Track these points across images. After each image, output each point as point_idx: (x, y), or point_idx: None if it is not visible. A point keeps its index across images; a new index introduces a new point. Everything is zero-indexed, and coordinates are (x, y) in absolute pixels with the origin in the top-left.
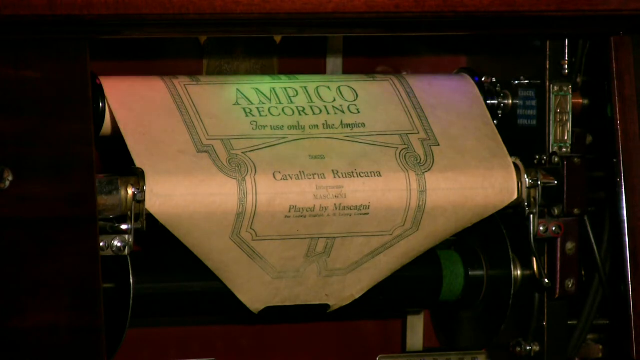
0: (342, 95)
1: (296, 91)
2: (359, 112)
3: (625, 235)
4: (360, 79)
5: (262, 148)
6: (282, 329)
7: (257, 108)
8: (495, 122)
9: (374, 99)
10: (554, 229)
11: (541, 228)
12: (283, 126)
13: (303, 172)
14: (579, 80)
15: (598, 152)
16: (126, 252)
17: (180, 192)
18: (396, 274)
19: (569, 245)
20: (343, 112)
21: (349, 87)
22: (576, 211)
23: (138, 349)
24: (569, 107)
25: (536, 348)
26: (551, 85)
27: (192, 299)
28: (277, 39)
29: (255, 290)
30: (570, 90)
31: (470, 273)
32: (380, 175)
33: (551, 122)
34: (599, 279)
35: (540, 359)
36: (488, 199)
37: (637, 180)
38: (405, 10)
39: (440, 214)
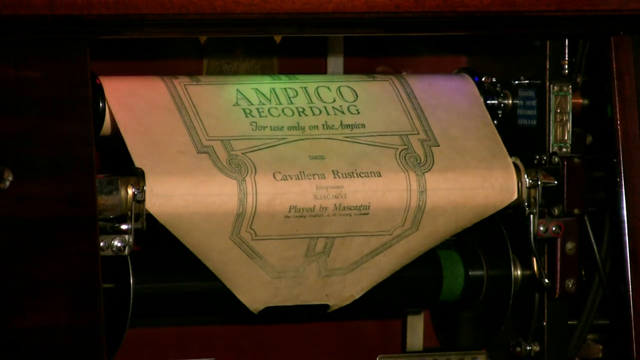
0: (342, 96)
1: (296, 92)
2: (358, 112)
3: (625, 235)
4: (360, 79)
5: (262, 149)
6: (282, 329)
7: (257, 109)
8: (495, 122)
9: (374, 100)
10: (554, 229)
11: (541, 228)
12: (283, 127)
13: (303, 172)
14: (579, 80)
15: (598, 152)
16: (126, 252)
17: (180, 192)
18: (396, 274)
19: (569, 245)
20: (343, 112)
21: (348, 87)
22: (576, 211)
23: (138, 349)
24: (569, 107)
25: (536, 348)
26: (551, 85)
27: (192, 299)
28: (277, 39)
29: (254, 290)
30: (570, 90)
31: (470, 273)
32: (380, 176)
33: (551, 122)
34: (599, 279)
35: (540, 359)
36: (488, 199)
37: (637, 180)
38: (405, 10)
39: (440, 214)
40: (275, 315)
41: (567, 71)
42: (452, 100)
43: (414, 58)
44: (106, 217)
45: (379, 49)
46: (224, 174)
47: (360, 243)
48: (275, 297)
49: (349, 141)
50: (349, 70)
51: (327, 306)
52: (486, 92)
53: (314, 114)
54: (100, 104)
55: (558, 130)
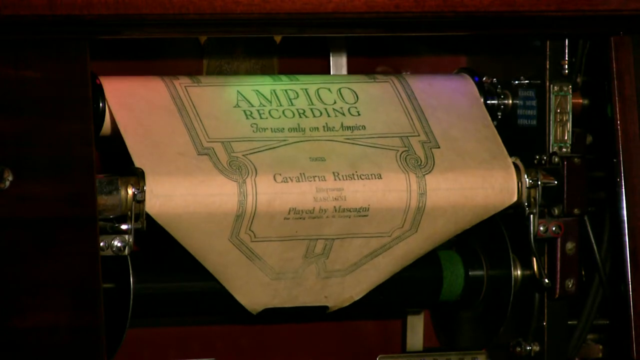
0: (343, 98)
1: (297, 93)
2: (359, 114)
3: (625, 235)
4: (360, 81)
5: (263, 150)
6: (282, 329)
7: (258, 110)
8: (495, 122)
9: (375, 101)
10: (554, 229)
11: (541, 228)
12: (283, 128)
13: (303, 174)
14: (579, 80)
15: (598, 152)
16: (126, 252)
17: (180, 193)
18: (396, 274)
19: (569, 245)
20: (343, 114)
21: (349, 89)
22: (576, 211)
23: (138, 349)
24: (569, 107)
25: (536, 348)
26: (551, 85)
27: (192, 299)
28: (277, 39)
29: (253, 291)
30: (570, 90)
31: (470, 273)
32: (381, 178)
33: (551, 122)
34: (599, 279)
35: (540, 359)
36: (488, 201)
37: (637, 180)
38: (405, 10)
39: (440, 216)
40: (275, 315)
41: (567, 71)
42: (452, 101)
43: (414, 58)
44: (106, 217)
45: (379, 49)
46: (224, 175)
47: (359, 244)
48: (274, 298)
49: (349, 143)
50: (349, 70)
51: (326, 307)
52: (486, 92)
53: (314, 116)
54: (100, 104)
55: (558, 130)
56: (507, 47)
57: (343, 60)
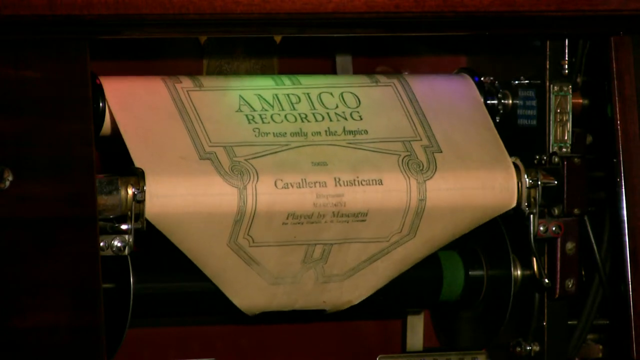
0: (345, 102)
1: (299, 97)
2: (361, 118)
3: (625, 235)
4: (363, 85)
5: (265, 155)
6: (282, 329)
7: (260, 115)
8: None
9: (377, 105)
10: (554, 229)
11: (541, 228)
12: (286, 133)
13: (305, 179)
14: (579, 80)
15: (598, 152)
16: (126, 252)
17: (180, 193)
18: None
19: (569, 245)
20: (345, 118)
21: (351, 93)
22: (576, 211)
23: (138, 349)
24: (569, 107)
25: (536, 348)
26: (551, 85)
27: (192, 299)
28: (277, 39)
29: (251, 296)
30: (570, 90)
31: (470, 273)
32: (382, 184)
33: (551, 122)
34: (599, 279)
35: (540, 359)
36: (487, 203)
37: (637, 180)
38: (405, 10)
39: (439, 220)
40: (275, 315)
41: (567, 71)
42: (454, 104)
43: (414, 58)
44: (106, 217)
45: (379, 49)
46: (225, 180)
47: (357, 249)
48: (272, 302)
49: (351, 147)
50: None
51: (324, 310)
52: (486, 92)
53: (316, 120)
54: (100, 104)
55: (558, 130)
56: (507, 47)
57: (348, 60)
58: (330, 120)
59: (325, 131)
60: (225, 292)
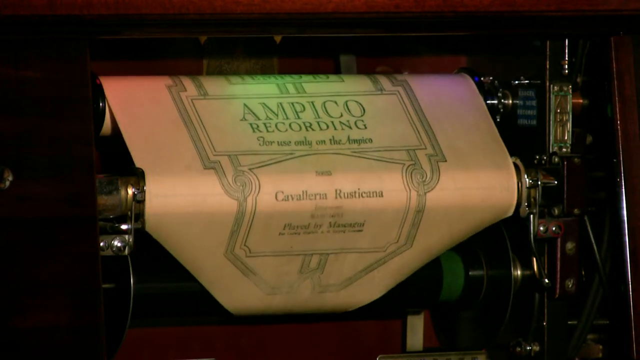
0: (349, 111)
1: (303, 106)
2: (366, 127)
3: (625, 235)
4: (367, 93)
5: (269, 164)
6: (282, 329)
7: (264, 123)
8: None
9: (381, 114)
10: (554, 229)
11: (541, 228)
12: (290, 142)
13: (306, 191)
14: (579, 80)
15: (598, 152)
16: (126, 252)
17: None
18: None
19: (569, 245)
20: (350, 127)
21: (356, 101)
22: (576, 211)
23: (138, 349)
24: (569, 107)
25: (536, 348)
26: (551, 85)
27: (192, 299)
28: (277, 39)
29: (247, 305)
30: (570, 90)
31: (470, 273)
32: (382, 195)
33: (551, 122)
34: (599, 279)
35: (540, 359)
36: (486, 210)
37: (637, 180)
38: (405, 10)
39: (435, 230)
40: (275, 315)
41: (567, 71)
42: (457, 108)
43: (414, 58)
44: (106, 217)
45: (379, 49)
46: (225, 191)
47: (354, 259)
48: (268, 312)
49: (356, 156)
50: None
51: None
52: (486, 92)
53: (321, 129)
54: (100, 104)
55: (558, 130)
56: (507, 47)
57: (353, 60)
58: (335, 129)
59: (330, 140)
60: (220, 301)
